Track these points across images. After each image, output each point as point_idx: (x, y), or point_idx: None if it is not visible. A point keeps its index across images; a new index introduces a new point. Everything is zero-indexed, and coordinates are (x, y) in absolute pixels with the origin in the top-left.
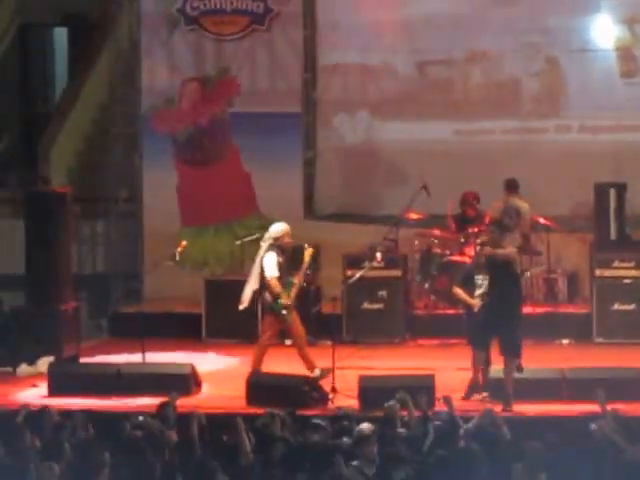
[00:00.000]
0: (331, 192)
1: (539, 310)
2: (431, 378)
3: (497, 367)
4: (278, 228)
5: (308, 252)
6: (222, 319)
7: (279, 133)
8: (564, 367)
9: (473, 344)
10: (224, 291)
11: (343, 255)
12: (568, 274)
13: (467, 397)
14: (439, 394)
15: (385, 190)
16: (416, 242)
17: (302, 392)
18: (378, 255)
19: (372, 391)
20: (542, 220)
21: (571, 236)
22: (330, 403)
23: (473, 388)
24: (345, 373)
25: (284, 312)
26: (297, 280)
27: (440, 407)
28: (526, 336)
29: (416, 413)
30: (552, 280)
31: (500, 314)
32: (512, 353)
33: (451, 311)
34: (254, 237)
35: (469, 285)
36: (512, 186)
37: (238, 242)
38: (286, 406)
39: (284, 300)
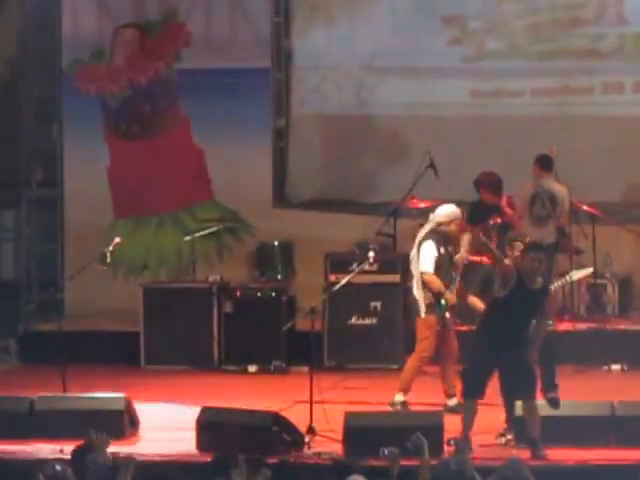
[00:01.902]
0: (309, 172)
1: (581, 327)
2: (439, 416)
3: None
4: (446, 211)
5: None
6: (167, 339)
7: (241, 96)
8: (614, 401)
9: (464, 388)
10: (169, 302)
11: (325, 255)
12: (619, 279)
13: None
14: (449, 437)
15: (380, 170)
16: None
17: (270, 433)
18: (370, 255)
19: (361, 433)
20: (585, 208)
21: (623, 229)
22: (307, 448)
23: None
24: (327, 409)
25: (447, 315)
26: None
27: (450, 453)
28: (565, 360)
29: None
30: (599, 287)
31: (513, 339)
32: (524, 393)
33: (465, 327)
34: (209, 231)
35: (489, 293)
36: (545, 164)
37: (188, 238)
38: (249, 452)
39: (449, 298)
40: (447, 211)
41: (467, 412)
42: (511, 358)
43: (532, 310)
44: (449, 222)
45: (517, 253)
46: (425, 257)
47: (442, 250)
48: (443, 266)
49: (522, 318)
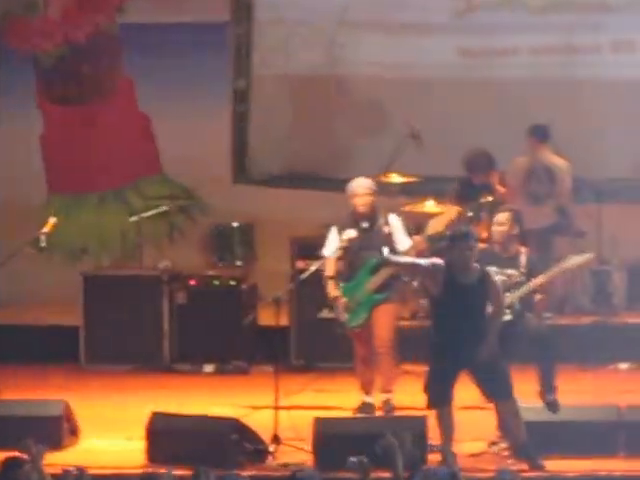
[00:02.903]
0: (274, 143)
1: (585, 320)
2: (421, 421)
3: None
4: (349, 185)
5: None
6: (110, 335)
7: (194, 54)
8: (621, 405)
9: (428, 397)
10: (112, 293)
11: (291, 238)
12: (628, 266)
13: None
14: (434, 444)
15: (355, 140)
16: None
17: (229, 442)
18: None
19: (333, 440)
20: (587, 185)
21: (633, 208)
22: (271, 459)
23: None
24: (294, 414)
25: (344, 316)
26: None
27: (435, 463)
28: (566, 358)
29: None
30: (604, 275)
31: (467, 338)
32: (496, 393)
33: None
34: (158, 211)
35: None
36: (542, 135)
37: (134, 218)
38: (206, 464)
39: (332, 295)
40: (349, 185)
41: (442, 422)
42: (472, 359)
43: (476, 305)
44: (351, 197)
45: (503, 227)
46: (326, 244)
47: (356, 233)
48: (351, 253)
49: (466, 315)
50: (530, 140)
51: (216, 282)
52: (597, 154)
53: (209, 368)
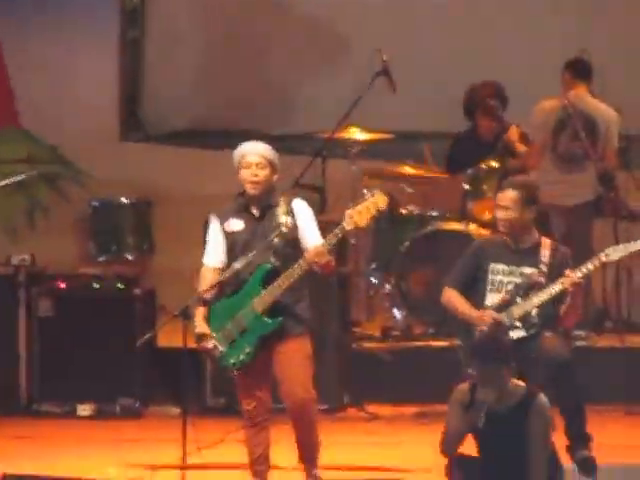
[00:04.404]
0: (178, 85)
1: (635, 341)
2: None
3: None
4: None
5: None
6: None
7: None
8: None
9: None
10: None
11: (204, 221)
12: None
13: None
14: None
15: (296, 80)
16: (365, 191)
17: None
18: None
19: None
20: None
21: None
22: None
23: None
24: (209, 477)
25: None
26: None
27: None
28: (607, 397)
29: None
30: None
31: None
32: None
33: (439, 342)
34: (12, 180)
35: (481, 284)
36: (583, 71)
37: None
38: None
39: (195, 315)
40: (236, 153)
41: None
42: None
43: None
44: (237, 170)
45: (506, 213)
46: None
47: (241, 222)
48: (236, 254)
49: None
50: (565, 77)
51: (96, 285)
52: None
53: (85, 410)
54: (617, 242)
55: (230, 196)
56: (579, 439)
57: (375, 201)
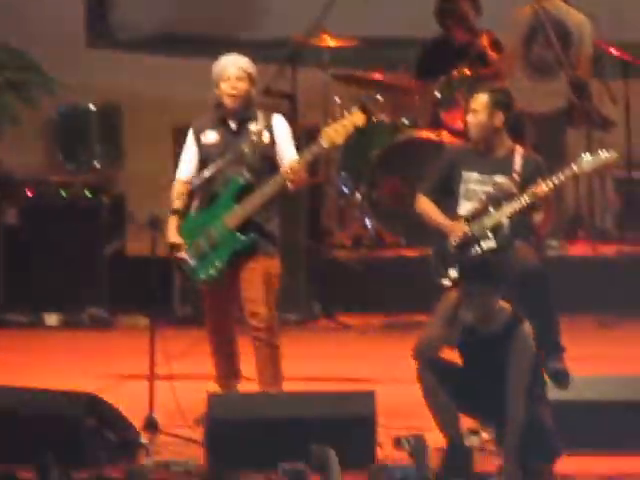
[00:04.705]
0: None
1: (607, 251)
2: (369, 399)
3: None
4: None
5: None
6: None
7: None
8: None
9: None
10: None
11: (173, 127)
12: None
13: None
14: (390, 432)
15: None
16: (337, 99)
17: (83, 430)
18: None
19: (235, 428)
20: (614, 52)
21: None
22: (144, 455)
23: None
24: (179, 387)
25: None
26: None
27: (393, 458)
28: (579, 308)
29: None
30: (636, 185)
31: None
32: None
33: (411, 252)
34: None
35: (450, 190)
36: None
37: None
38: (47, 461)
39: (168, 233)
40: (215, 65)
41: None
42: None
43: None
44: (216, 82)
45: (478, 118)
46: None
47: (217, 135)
48: (210, 168)
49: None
50: None
51: (63, 193)
52: (631, 11)
53: (52, 319)
54: (590, 152)
55: (198, 103)
56: (552, 350)
57: (352, 119)
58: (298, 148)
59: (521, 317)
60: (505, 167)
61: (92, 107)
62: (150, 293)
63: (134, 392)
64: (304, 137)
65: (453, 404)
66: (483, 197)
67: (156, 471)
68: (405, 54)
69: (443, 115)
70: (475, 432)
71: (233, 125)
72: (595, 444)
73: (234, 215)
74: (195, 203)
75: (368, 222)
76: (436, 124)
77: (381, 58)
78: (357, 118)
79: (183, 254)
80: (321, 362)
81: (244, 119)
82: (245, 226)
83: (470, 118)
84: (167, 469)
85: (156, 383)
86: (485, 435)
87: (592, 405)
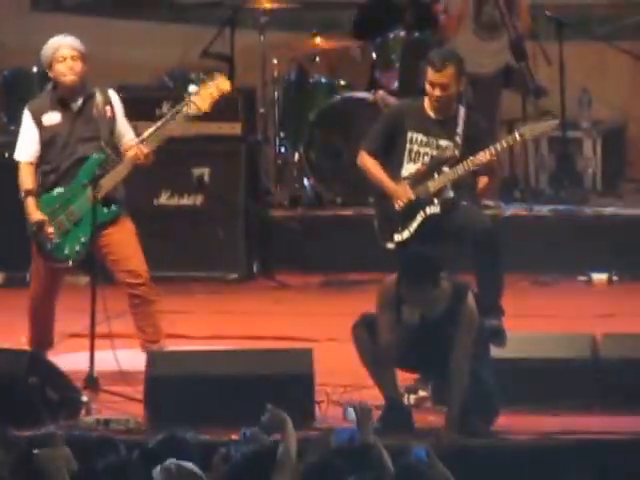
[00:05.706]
0: None
1: (542, 211)
2: (307, 356)
3: None
4: None
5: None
6: None
7: None
8: (597, 334)
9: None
10: None
11: (116, 88)
12: (604, 131)
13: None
14: (328, 391)
15: None
16: (275, 61)
17: (24, 388)
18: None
19: (176, 385)
20: (548, 13)
21: (613, 49)
22: (84, 412)
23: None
24: (120, 344)
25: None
26: None
27: (335, 419)
28: (516, 267)
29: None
30: (570, 145)
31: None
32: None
33: (348, 211)
34: None
35: (398, 151)
36: None
37: None
38: None
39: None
40: (47, 46)
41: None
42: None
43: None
44: (50, 62)
45: (450, 91)
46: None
47: (59, 116)
48: (58, 148)
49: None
50: None
51: (6, 154)
52: None
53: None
54: (525, 116)
55: (139, 66)
56: (492, 310)
57: (217, 84)
58: (230, 111)
59: (464, 291)
60: (450, 130)
61: (35, 70)
62: (91, 252)
63: (75, 350)
64: (242, 100)
65: (391, 363)
66: (427, 161)
67: (96, 428)
68: (342, 15)
69: (379, 76)
70: (413, 390)
71: (74, 104)
72: (531, 401)
73: (96, 191)
74: (46, 183)
75: (306, 182)
76: (373, 85)
77: (318, 19)
78: (222, 83)
79: (51, 229)
80: (259, 320)
81: (84, 97)
82: (105, 199)
83: (438, 92)
84: (107, 427)
85: (96, 341)
86: (422, 393)
87: (528, 363)
